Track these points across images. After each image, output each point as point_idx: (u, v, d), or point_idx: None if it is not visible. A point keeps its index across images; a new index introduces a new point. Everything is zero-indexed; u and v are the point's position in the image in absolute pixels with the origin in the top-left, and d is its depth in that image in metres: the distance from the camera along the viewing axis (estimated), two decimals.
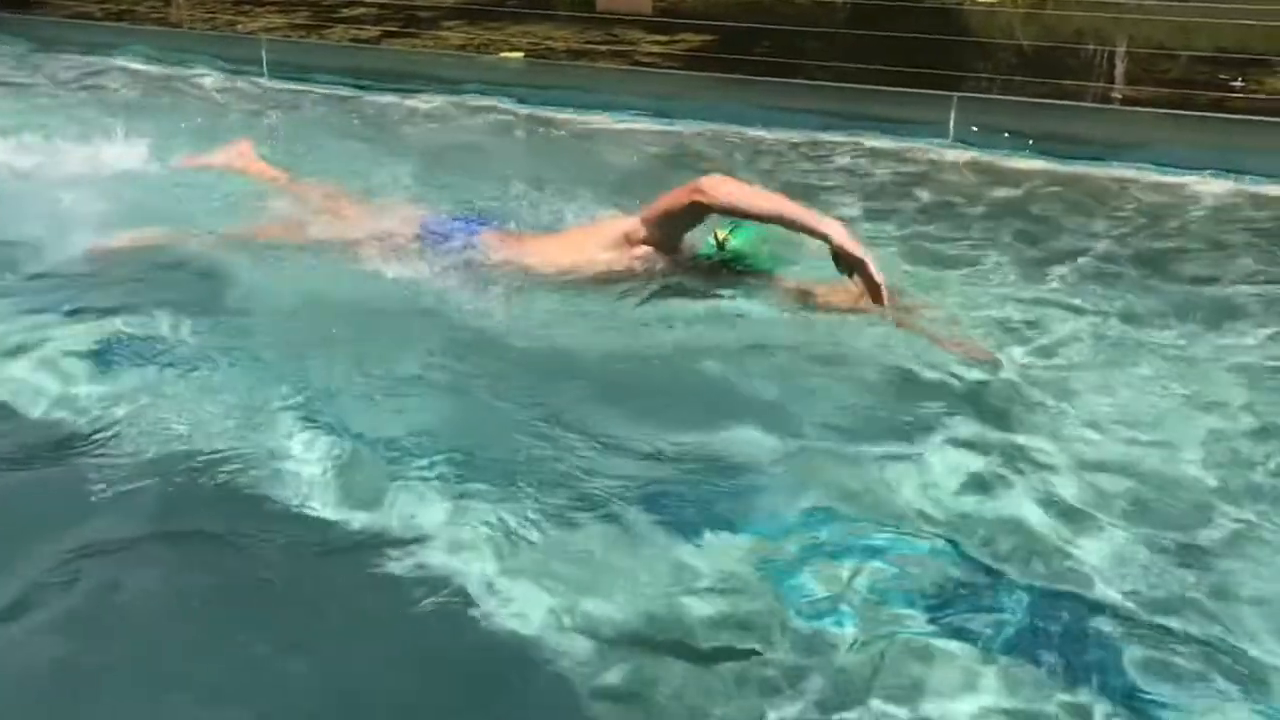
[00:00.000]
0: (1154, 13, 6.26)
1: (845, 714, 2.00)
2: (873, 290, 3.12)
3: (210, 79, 6.67)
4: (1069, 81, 5.56)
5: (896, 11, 7.14)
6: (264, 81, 6.61)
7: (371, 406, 2.93)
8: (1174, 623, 2.20)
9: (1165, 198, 4.26)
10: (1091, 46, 6.28)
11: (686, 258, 3.46)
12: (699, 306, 3.30)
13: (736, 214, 3.28)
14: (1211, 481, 2.59)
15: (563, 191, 4.18)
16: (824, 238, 3.12)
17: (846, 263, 3.14)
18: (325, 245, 3.75)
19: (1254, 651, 2.14)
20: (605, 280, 3.42)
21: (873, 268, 3.09)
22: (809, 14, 7.68)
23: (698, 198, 3.24)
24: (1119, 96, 5.50)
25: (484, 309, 3.38)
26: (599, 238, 3.52)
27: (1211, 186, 4.31)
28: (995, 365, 3.00)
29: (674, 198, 3.33)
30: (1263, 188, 4.28)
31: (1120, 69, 5.80)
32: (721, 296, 3.34)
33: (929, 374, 2.98)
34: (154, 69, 6.93)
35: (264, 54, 6.87)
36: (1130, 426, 2.78)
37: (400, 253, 3.65)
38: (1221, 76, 5.79)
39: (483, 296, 3.45)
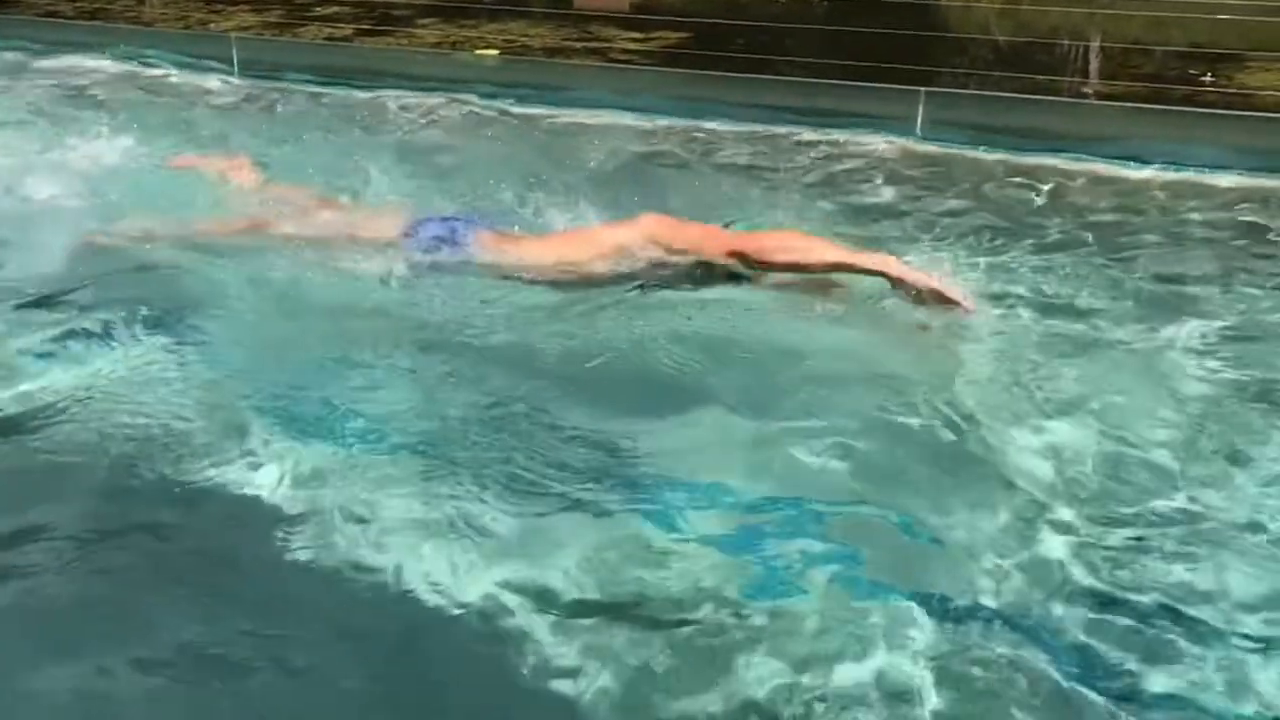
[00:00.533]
0: (1129, 8, 6.39)
1: (806, 679, 2.11)
2: (953, 303, 3.24)
3: (182, 77, 6.74)
4: (1041, 76, 5.69)
5: (873, 8, 7.25)
6: (235, 80, 6.68)
7: (342, 398, 3.02)
8: (1119, 590, 2.34)
9: (1124, 189, 4.41)
10: (1065, 42, 6.41)
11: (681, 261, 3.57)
12: (684, 303, 3.43)
13: (792, 270, 3.43)
14: (1161, 461, 2.73)
15: (538, 186, 4.29)
16: (882, 274, 3.29)
17: (912, 292, 3.27)
18: (308, 244, 3.83)
19: (1192, 613, 2.29)
20: (595, 283, 3.53)
21: (941, 285, 3.24)
22: (787, 11, 7.79)
23: (755, 264, 3.41)
24: (1090, 91, 5.64)
25: (467, 307, 3.48)
26: (595, 243, 3.61)
27: (1174, 178, 4.48)
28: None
29: (716, 246, 3.46)
30: (1218, 179, 4.44)
31: (1091, 64, 5.93)
32: (709, 294, 3.46)
33: (898, 368, 3.10)
34: (126, 67, 6.99)
35: (235, 52, 6.95)
36: (1085, 410, 2.90)
37: (385, 251, 3.73)
38: (1192, 71, 5.94)
39: (467, 294, 3.56)
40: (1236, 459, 2.71)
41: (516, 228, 3.85)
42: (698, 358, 3.16)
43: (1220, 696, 2.12)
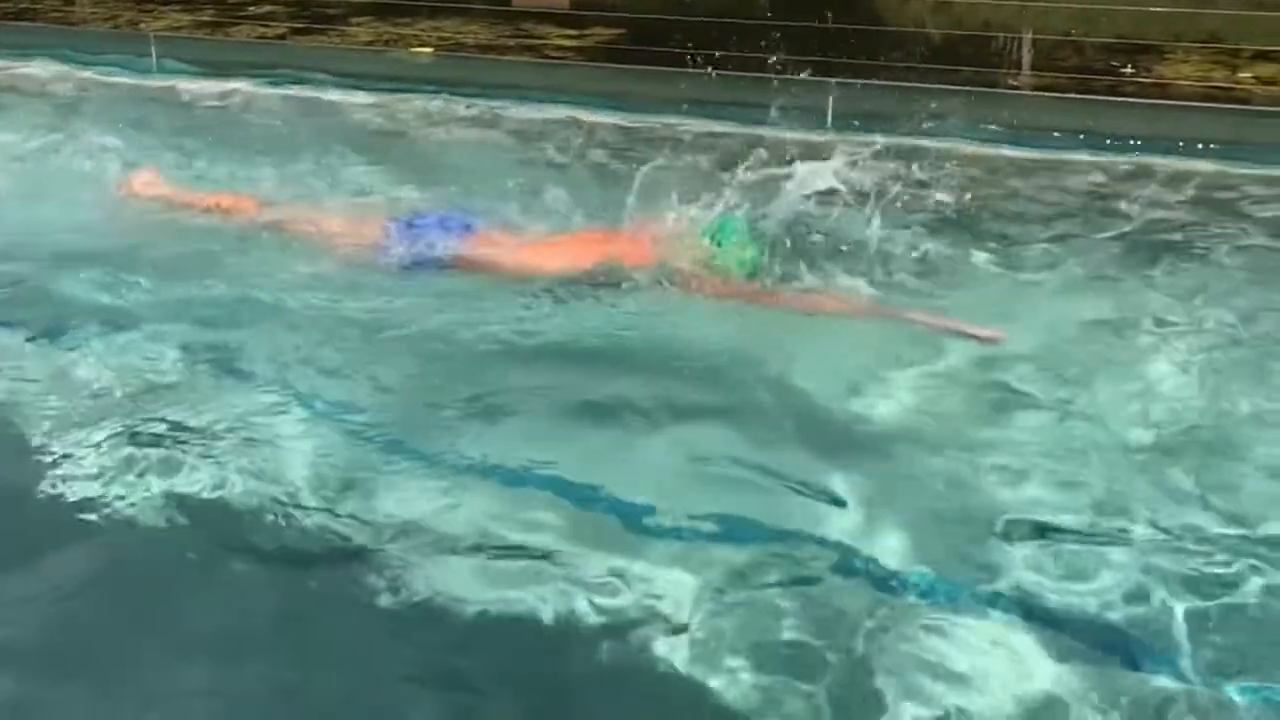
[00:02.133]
0: (1058, 1, 6.72)
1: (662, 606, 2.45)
2: (987, 338, 3.45)
3: (113, 77, 6.97)
4: (966, 68, 6.02)
5: (814, 3, 7.53)
6: (162, 79, 6.91)
7: (298, 384, 3.33)
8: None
9: (1025, 172, 4.79)
10: (997, 35, 6.73)
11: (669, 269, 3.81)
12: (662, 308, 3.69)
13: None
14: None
15: (458, 178, 4.63)
16: (911, 321, 3.54)
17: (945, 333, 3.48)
18: (285, 240, 4.13)
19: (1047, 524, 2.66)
20: (573, 286, 3.76)
21: (969, 329, 3.46)
22: (727, 6, 8.07)
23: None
24: (1009, 82, 6.00)
25: (438, 303, 3.72)
26: (580, 250, 3.87)
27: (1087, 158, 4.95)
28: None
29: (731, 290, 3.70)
30: (1072, 156, 4.97)
31: (1013, 56, 6.29)
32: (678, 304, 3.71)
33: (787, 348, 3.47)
34: (55, 68, 7.21)
35: (154, 50, 7.17)
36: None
37: (362, 248, 4.01)
38: (1114, 63, 6.29)
39: (441, 291, 3.79)
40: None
41: (501, 226, 4.08)
42: (652, 362, 3.43)
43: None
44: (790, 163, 3.95)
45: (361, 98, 6.41)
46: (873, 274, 3.80)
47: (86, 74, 7.03)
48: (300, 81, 6.66)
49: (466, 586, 2.51)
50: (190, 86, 6.72)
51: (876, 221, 3.87)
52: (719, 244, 3.81)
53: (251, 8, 8.44)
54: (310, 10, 8.21)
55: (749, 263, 3.81)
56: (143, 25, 8.13)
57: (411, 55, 7.24)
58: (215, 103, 6.48)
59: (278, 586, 2.58)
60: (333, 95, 6.50)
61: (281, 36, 7.80)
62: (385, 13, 8.09)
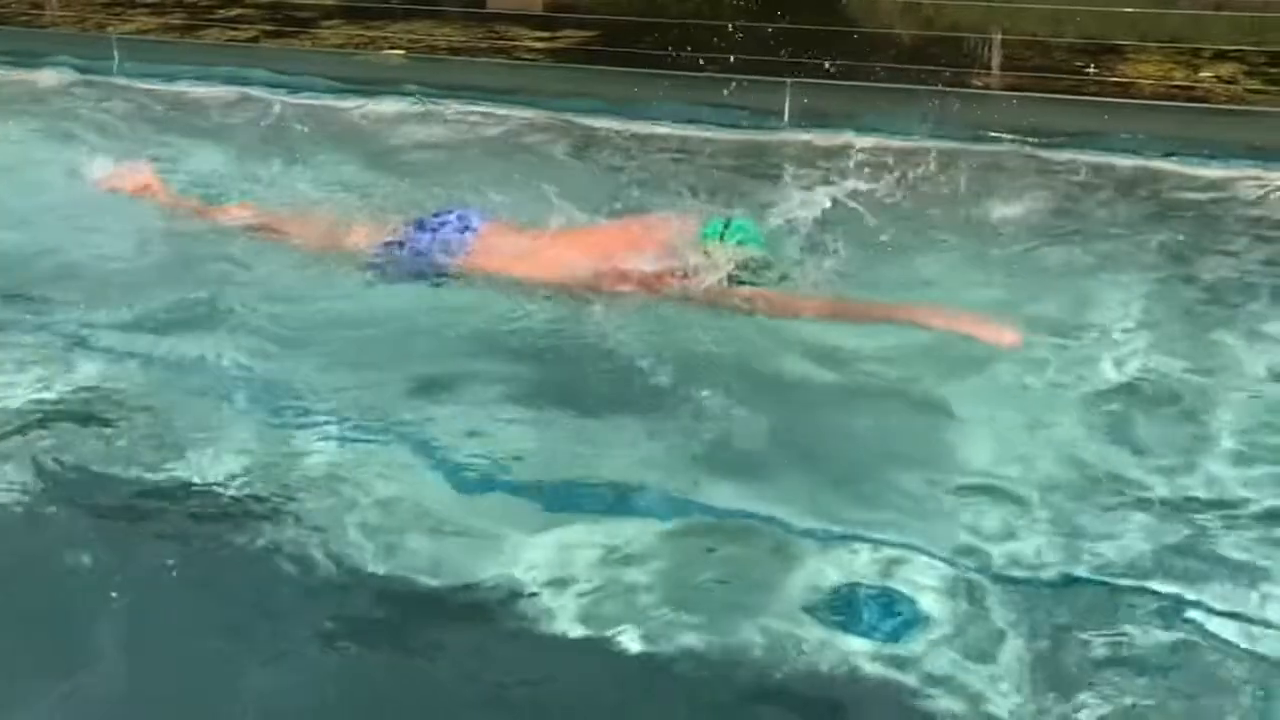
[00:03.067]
0: (1023, 2, 6.94)
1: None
2: (994, 338, 3.47)
3: (85, 80, 7.12)
4: (927, 67, 6.23)
5: (787, 5, 7.73)
6: (128, 81, 7.07)
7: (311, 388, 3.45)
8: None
9: (979, 168, 4.97)
10: (961, 36, 6.95)
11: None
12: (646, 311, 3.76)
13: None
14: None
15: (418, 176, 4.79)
16: (925, 325, 3.56)
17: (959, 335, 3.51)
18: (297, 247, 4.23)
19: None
20: (592, 285, 3.83)
21: (975, 327, 3.49)
22: (700, 9, 8.27)
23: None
24: (980, 83, 6.23)
25: (443, 304, 3.85)
26: (600, 245, 3.92)
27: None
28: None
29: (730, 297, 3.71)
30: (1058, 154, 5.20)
31: (972, 56, 6.53)
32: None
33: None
34: (20, 72, 7.35)
35: (116, 53, 7.32)
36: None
37: (358, 258, 4.09)
38: (1077, 64, 6.52)
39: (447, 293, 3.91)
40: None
41: (501, 228, 4.13)
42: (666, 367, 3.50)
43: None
44: (777, 164, 4.06)
45: (333, 101, 6.57)
46: (859, 275, 3.90)
47: (58, 77, 7.18)
48: (269, 84, 6.81)
49: (410, 562, 2.68)
50: (159, 89, 6.89)
51: (864, 223, 3.98)
52: (722, 245, 3.82)
53: (221, 11, 8.60)
54: (281, 14, 8.38)
55: (754, 262, 3.84)
56: (110, 29, 8.28)
57: (383, 58, 7.41)
58: (185, 106, 6.63)
59: (208, 560, 2.73)
60: (304, 99, 6.64)
61: (253, 40, 7.96)
62: (357, 16, 8.27)
